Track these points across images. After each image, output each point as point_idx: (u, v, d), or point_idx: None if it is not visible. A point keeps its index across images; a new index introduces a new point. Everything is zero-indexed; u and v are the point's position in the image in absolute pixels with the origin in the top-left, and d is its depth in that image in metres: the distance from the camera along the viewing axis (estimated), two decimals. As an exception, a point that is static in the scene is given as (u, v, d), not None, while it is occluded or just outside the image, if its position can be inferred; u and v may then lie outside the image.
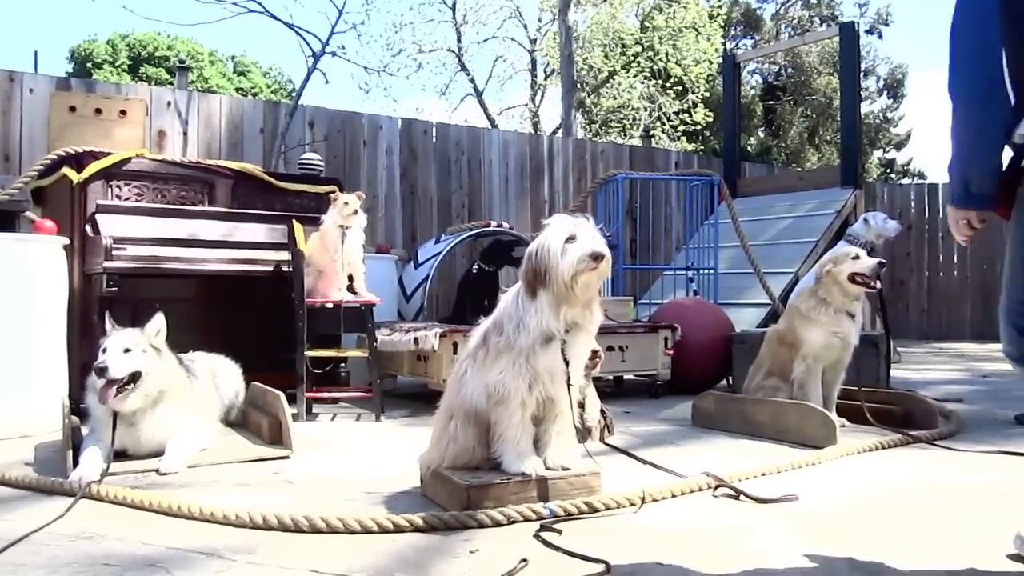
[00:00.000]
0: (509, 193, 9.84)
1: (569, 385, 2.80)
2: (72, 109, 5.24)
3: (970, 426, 4.42)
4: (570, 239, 2.67)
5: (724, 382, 6.11)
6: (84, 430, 3.55)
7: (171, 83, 20.87)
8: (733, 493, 2.96)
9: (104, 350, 3.38)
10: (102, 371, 3.31)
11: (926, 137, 51.61)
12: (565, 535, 2.51)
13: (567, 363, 2.76)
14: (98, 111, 5.29)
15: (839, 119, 11.31)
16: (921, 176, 27.26)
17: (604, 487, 2.91)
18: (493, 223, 7.23)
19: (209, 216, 5.18)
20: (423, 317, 6.52)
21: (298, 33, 8.46)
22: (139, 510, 2.81)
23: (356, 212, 4.94)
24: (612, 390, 5.93)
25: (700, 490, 3.03)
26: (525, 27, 24.07)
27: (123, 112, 5.36)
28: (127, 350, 3.41)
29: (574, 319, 2.76)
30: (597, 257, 2.63)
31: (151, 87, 9.30)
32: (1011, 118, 1.94)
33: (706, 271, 8.09)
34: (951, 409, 4.71)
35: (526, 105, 25.37)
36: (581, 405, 3.87)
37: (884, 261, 4.32)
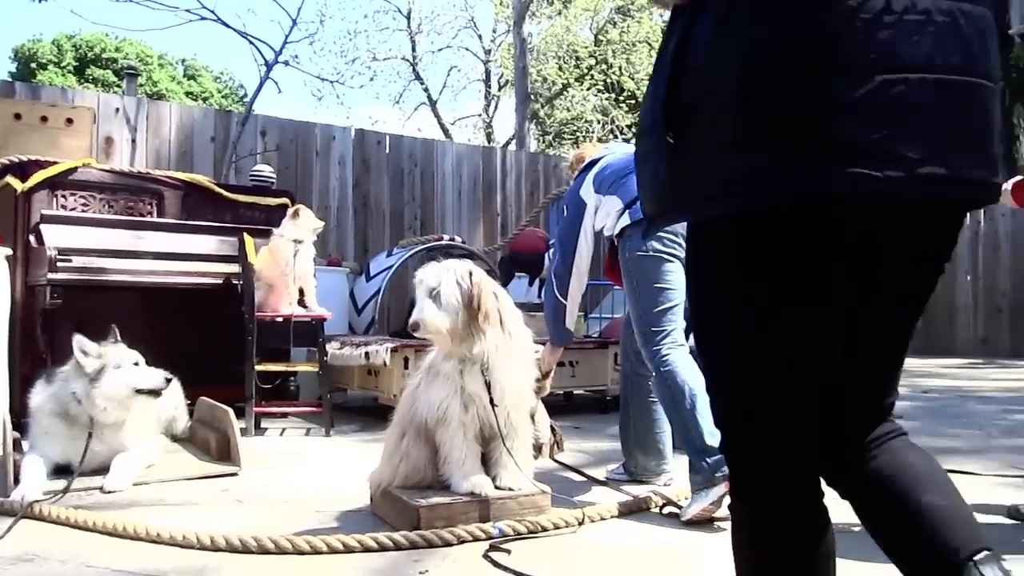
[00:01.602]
0: (462, 206, 9.85)
1: (494, 405, 2.82)
2: (17, 116, 5.13)
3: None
4: (412, 302, 2.89)
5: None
6: (25, 445, 3.48)
7: (119, 86, 20.54)
8: (679, 511, 3.01)
9: (136, 364, 3.54)
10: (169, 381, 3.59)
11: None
12: (514, 554, 2.54)
13: (488, 385, 2.81)
14: (44, 119, 5.19)
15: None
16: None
17: (554, 506, 2.94)
18: (446, 237, 7.25)
19: (157, 227, 5.11)
20: (374, 330, 6.50)
21: (251, 42, 8.40)
22: (83, 530, 2.76)
23: (297, 215, 4.92)
24: (562, 405, 5.97)
25: (648, 509, 3.08)
26: (480, 37, 24.17)
27: (70, 120, 5.26)
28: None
29: (469, 355, 2.82)
30: (414, 327, 2.80)
31: (99, 93, 9.17)
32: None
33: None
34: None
35: (480, 115, 25.44)
36: (532, 419, 3.89)
37: None
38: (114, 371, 3.42)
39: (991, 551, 1.23)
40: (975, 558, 1.21)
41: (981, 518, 2.92)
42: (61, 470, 3.34)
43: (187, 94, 25.84)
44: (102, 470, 3.40)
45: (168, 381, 3.58)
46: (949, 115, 1.14)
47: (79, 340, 3.44)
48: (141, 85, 20.32)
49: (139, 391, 3.48)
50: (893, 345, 1.35)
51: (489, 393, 2.80)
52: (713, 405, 1.36)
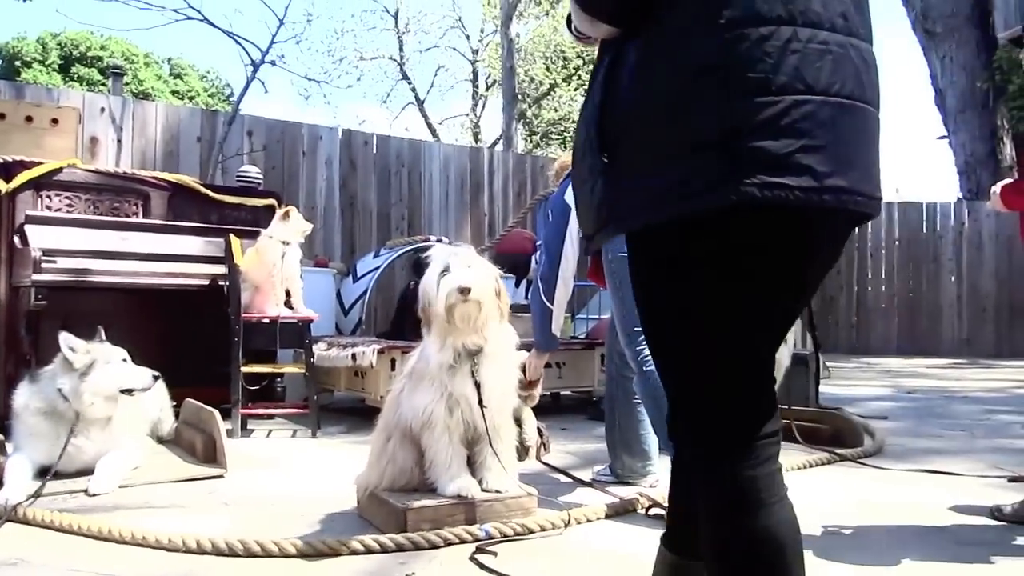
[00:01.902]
0: (449, 207, 9.85)
1: (483, 407, 2.82)
2: (2, 116, 5.09)
3: (893, 443, 4.57)
4: (444, 272, 2.78)
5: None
6: (9, 447, 3.46)
7: (104, 85, 20.42)
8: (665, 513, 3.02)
9: (124, 360, 3.55)
10: (156, 378, 3.60)
11: (856, 155, 53.14)
12: (501, 557, 2.54)
13: (478, 387, 2.81)
14: (29, 119, 5.15)
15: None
16: (851, 193, 28.01)
17: (540, 507, 2.95)
18: (433, 237, 7.24)
19: (143, 228, 5.09)
20: (361, 332, 6.50)
21: (237, 41, 8.37)
22: (68, 534, 2.75)
23: (288, 216, 4.92)
24: (549, 406, 5.98)
25: (634, 510, 3.09)
26: (467, 37, 24.21)
27: (55, 120, 5.22)
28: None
29: (469, 346, 2.83)
30: (464, 290, 2.73)
31: (84, 92, 9.11)
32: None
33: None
34: (876, 427, 4.86)
35: (467, 115, 25.46)
36: (518, 423, 3.90)
37: None
38: (104, 366, 3.44)
39: None
40: None
41: (967, 519, 2.96)
42: (46, 472, 3.31)
43: (173, 93, 25.73)
44: (87, 472, 3.39)
45: (155, 379, 3.58)
46: (846, 135, 1.30)
47: (66, 337, 3.44)
48: (127, 84, 20.21)
49: (125, 391, 3.48)
50: (778, 341, 1.49)
51: (479, 394, 2.81)
52: (681, 389, 1.43)
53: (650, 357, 3.03)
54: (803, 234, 1.33)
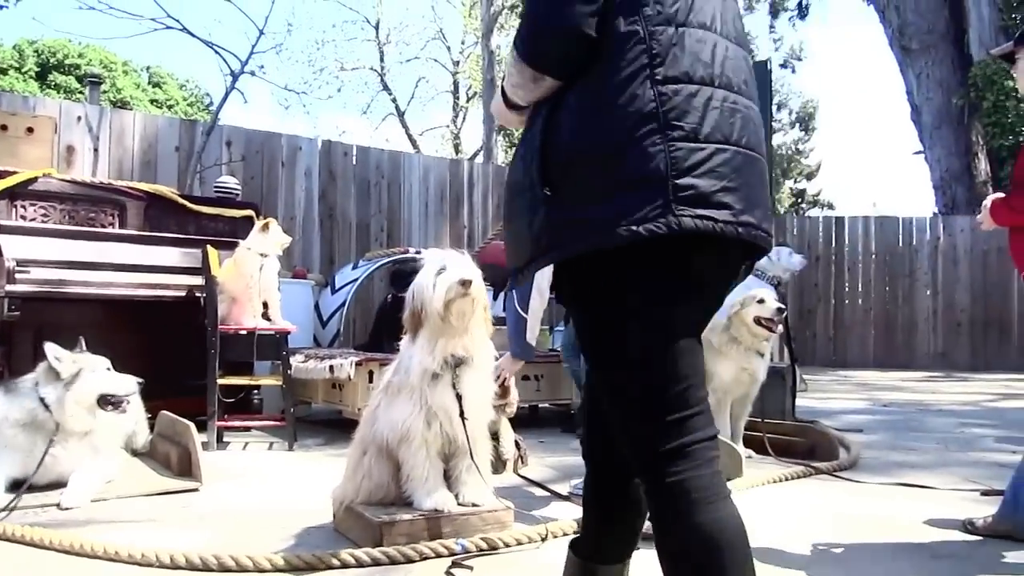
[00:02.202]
0: (428, 218, 9.84)
1: (464, 420, 2.82)
2: (-24, 125, 5.06)
3: (868, 457, 4.61)
4: (441, 271, 2.77)
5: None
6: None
7: (82, 93, 20.28)
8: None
9: (108, 369, 3.55)
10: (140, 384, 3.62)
11: (835, 168, 53.72)
12: (477, 570, 2.54)
13: (459, 398, 2.80)
14: (4, 128, 5.11)
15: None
16: (830, 206, 28.26)
17: (517, 521, 2.94)
18: (412, 249, 7.22)
19: (119, 239, 5.05)
20: (339, 343, 6.47)
21: (217, 52, 8.34)
22: (39, 548, 2.72)
23: (267, 228, 4.89)
24: (527, 418, 5.97)
25: (610, 524, 3.08)
26: (448, 49, 24.25)
27: (30, 129, 5.19)
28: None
29: (456, 353, 2.82)
30: (465, 282, 2.73)
31: (61, 101, 9.04)
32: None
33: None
34: (851, 441, 4.90)
35: (447, 127, 25.48)
36: (496, 437, 3.90)
37: (784, 307, 4.50)
38: (89, 375, 3.43)
39: None
40: None
41: (942, 533, 2.99)
42: (18, 486, 3.27)
43: (152, 102, 25.57)
44: (60, 484, 3.36)
45: (140, 384, 3.59)
46: (751, 180, 1.54)
47: (52, 348, 3.42)
48: (105, 92, 20.10)
49: (106, 401, 3.47)
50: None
51: (460, 406, 2.80)
52: (625, 404, 1.55)
53: None
54: (722, 260, 1.58)
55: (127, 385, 3.55)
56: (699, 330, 1.60)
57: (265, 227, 4.92)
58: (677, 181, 1.43)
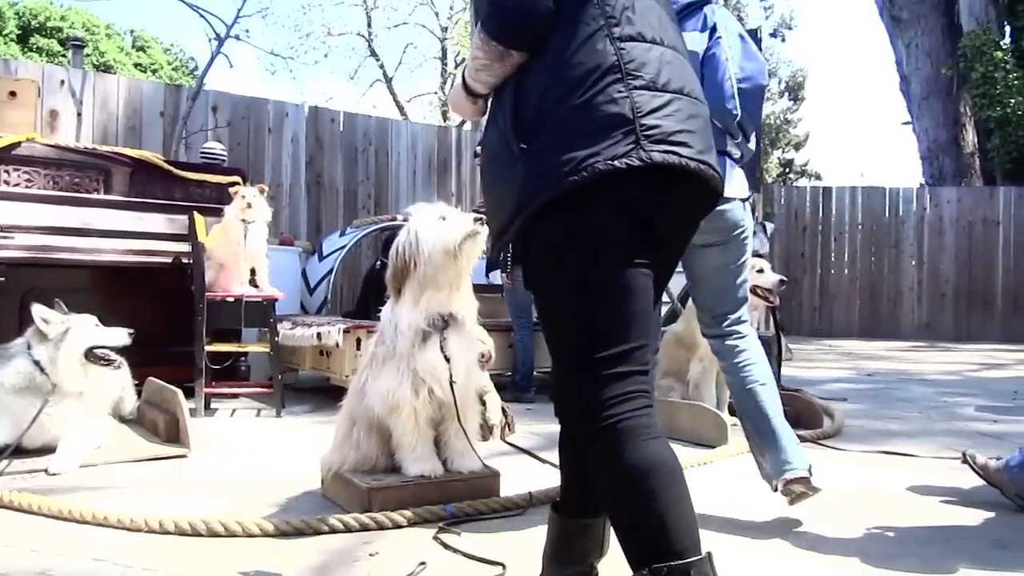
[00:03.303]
0: (416, 186, 9.80)
1: (452, 383, 2.82)
2: (-42, 88, 5.00)
3: (852, 425, 4.66)
4: (443, 218, 2.78)
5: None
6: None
7: (64, 56, 19.99)
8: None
9: (97, 325, 3.57)
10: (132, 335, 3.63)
11: (823, 139, 53.66)
12: (464, 536, 2.56)
13: (448, 360, 2.80)
14: (-14, 91, 5.05)
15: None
16: (817, 177, 28.25)
17: (503, 488, 2.96)
18: (400, 216, 7.20)
19: (105, 204, 5.02)
20: (327, 310, 6.47)
21: (202, 15, 8.24)
22: (27, 514, 2.72)
23: (250, 206, 4.86)
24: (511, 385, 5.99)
25: (597, 490, 3.11)
26: (436, 15, 23.97)
27: (13, 93, 5.12)
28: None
29: (443, 309, 2.82)
30: (479, 219, 2.75)
31: (43, 65, 8.92)
32: None
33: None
34: (835, 409, 4.94)
35: (435, 93, 25.28)
36: (482, 403, 3.92)
37: (785, 279, 4.52)
38: (78, 332, 3.46)
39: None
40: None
41: (924, 499, 3.03)
42: (4, 452, 3.27)
43: (136, 66, 25.24)
44: (49, 450, 3.36)
45: (130, 336, 3.60)
46: (704, 127, 1.70)
47: (39, 309, 3.42)
48: (88, 55, 19.81)
49: (96, 356, 3.51)
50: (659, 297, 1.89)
51: (449, 369, 2.80)
52: (573, 350, 1.63)
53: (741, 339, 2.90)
54: (689, 196, 1.68)
55: (117, 337, 3.58)
56: (664, 269, 1.74)
57: (235, 195, 4.91)
58: (643, 121, 1.57)
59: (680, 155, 1.59)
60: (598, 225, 1.59)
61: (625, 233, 1.60)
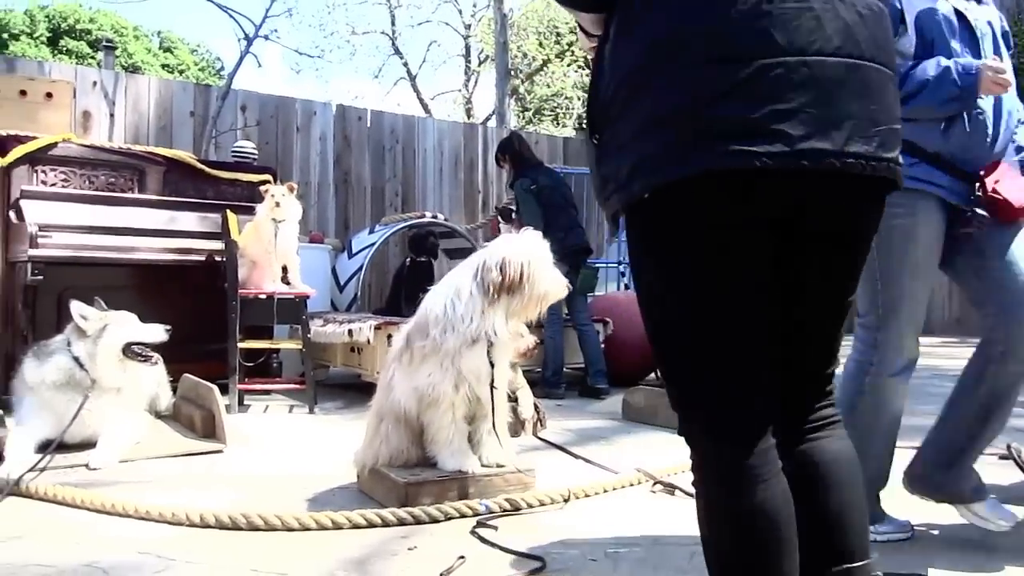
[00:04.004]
0: (443, 183, 9.83)
1: (493, 387, 2.85)
2: (-5, 90, 5.07)
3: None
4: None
5: (653, 376, 6.23)
6: (10, 422, 3.47)
7: (93, 58, 20.22)
8: (669, 489, 3.05)
9: (135, 322, 3.64)
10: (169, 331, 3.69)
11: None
12: (501, 531, 2.57)
13: (492, 365, 2.83)
14: (23, 93, 5.11)
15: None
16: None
17: (538, 483, 2.97)
18: (428, 214, 7.23)
19: (140, 204, 5.08)
20: (356, 307, 6.51)
21: (231, 16, 8.31)
22: (71, 507, 2.77)
23: (279, 205, 4.89)
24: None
25: (632, 486, 3.12)
26: (460, 12, 23.97)
27: (49, 95, 5.18)
28: None
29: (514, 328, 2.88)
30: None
31: (76, 66, 9.03)
32: None
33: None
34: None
35: (459, 91, 25.30)
36: (514, 399, 3.94)
37: None
38: (117, 328, 3.51)
39: (870, 562, 1.34)
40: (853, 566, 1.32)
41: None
42: (48, 447, 3.31)
43: (163, 67, 25.48)
44: (89, 445, 3.41)
45: (168, 332, 3.66)
46: (831, 95, 1.21)
47: (78, 306, 3.48)
48: (117, 57, 20.02)
49: (134, 352, 3.55)
50: (823, 318, 1.42)
51: (492, 375, 2.84)
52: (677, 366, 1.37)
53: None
54: (803, 206, 1.28)
55: (154, 333, 3.63)
56: (763, 293, 1.30)
57: (266, 194, 4.96)
58: (704, 112, 1.20)
59: (759, 155, 1.18)
60: (667, 247, 1.31)
61: (702, 251, 1.28)
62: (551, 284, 2.85)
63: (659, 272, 1.33)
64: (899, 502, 2.63)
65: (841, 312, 1.43)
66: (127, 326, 3.57)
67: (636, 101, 1.26)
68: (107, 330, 3.48)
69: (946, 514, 2.59)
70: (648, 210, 1.28)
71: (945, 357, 8.88)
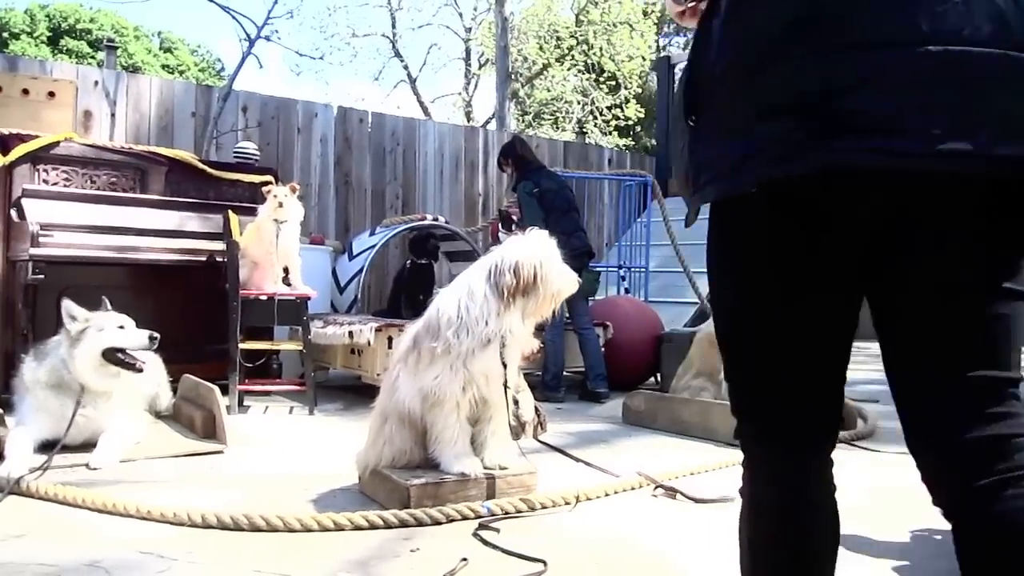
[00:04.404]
0: (444, 186, 9.82)
1: (506, 387, 2.87)
2: (-3, 89, 5.07)
3: (885, 427, 4.61)
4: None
5: (653, 380, 6.24)
6: (11, 421, 3.46)
7: (93, 58, 20.22)
8: (670, 493, 3.05)
9: (121, 327, 3.53)
10: (154, 339, 3.56)
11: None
12: (503, 533, 2.57)
13: (505, 366, 2.83)
14: (25, 92, 5.11)
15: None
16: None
17: (540, 486, 2.97)
18: (429, 216, 7.23)
19: (141, 204, 5.07)
20: (356, 309, 6.50)
21: (233, 16, 8.30)
22: (71, 507, 2.76)
23: (281, 205, 4.88)
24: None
25: (633, 489, 3.12)
26: (460, 15, 23.97)
27: (52, 94, 5.19)
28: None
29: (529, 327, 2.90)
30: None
31: (77, 66, 9.01)
32: None
33: (637, 269, 8.21)
34: (868, 410, 4.91)
35: (459, 94, 25.30)
36: (516, 402, 3.93)
37: None
38: (96, 333, 3.43)
39: None
40: None
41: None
42: (48, 447, 3.31)
43: (164, 67, 25.47)
44: (89, 445, 3.40)
45: (153, 340, 3.55)
46: (978, 89, 1.07)
47: (67, 304, 3.46)
48: (118, 57, 20.02)
49: (116, 359, 3.47)
50: (959, 336, 1.19)
51: (505, 375, 2.85)
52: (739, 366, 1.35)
53: None
54: (925, 209, 1.13)
55: (134, 339, 3.52)
56: (902, 306, 1.24)
57: (267, 195, 4.94)
58: (827, 105, 1.08)
59: (890, 153, 1.06)
60: (764, 243, 1.22)
61: (796, 255, 1.20)
62: (563, 281, 2.91)
63: (737, 275, 1.27)
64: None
65: (975, 329, 1.18)
66: (106, 331, 3.47)
67: (753, 83, 1.14)
68: (86, 334, 3.42)
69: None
70: (743, 206, 1.19)
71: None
